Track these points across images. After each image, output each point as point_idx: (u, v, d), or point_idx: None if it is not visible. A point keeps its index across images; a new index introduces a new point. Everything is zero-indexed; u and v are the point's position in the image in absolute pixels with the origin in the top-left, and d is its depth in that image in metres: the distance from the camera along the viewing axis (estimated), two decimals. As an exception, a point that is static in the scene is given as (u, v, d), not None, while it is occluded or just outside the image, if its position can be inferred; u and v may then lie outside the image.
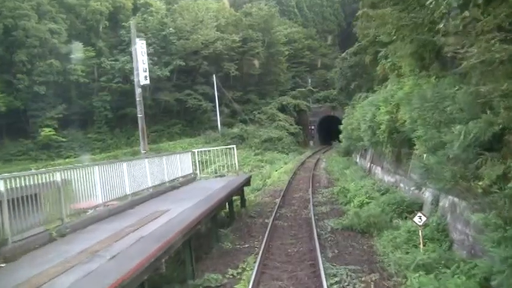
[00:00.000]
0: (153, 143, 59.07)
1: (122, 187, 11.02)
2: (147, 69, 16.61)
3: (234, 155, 20.35)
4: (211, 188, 12.97)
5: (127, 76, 57.18)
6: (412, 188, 13.91)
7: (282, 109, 64.96)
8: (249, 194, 19.81)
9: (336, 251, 9.87)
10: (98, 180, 9.66)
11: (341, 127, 32.01)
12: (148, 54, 57.73)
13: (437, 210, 11.08)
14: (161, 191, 13.10)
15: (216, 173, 21.01)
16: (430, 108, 10.04)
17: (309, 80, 80.00)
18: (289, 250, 10.17)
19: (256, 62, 65.39)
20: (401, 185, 15.33)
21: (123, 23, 60.60)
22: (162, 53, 59.57)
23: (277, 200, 16.67)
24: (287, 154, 52.95)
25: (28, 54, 54.20)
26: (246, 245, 10.76)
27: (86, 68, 57.33)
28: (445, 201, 10.69)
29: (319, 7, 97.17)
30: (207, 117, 61.56)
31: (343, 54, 40.82)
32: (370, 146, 20.18)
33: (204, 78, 61.95)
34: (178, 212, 9.21)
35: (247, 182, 16.74)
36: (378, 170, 20.05)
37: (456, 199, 9.64)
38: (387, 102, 15.00)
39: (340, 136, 55.84)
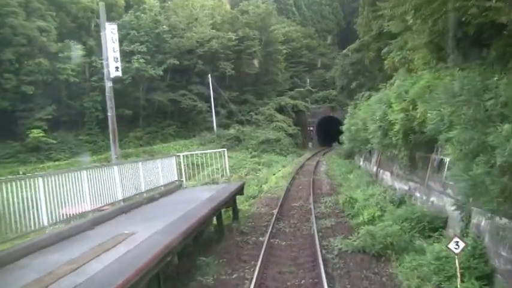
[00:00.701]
0: (147, 145, 57.10)
1: (81, 201, 8.93)
2: (119, 59, 13.92)
3: (224, 159, 18.20)
4: (196, 200, 10.89)
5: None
6: (432, 200, 11.86)
7: (280, 110, 62.92)
8: (243, 203, 17.72)
9: (348, 286, 7.77)
10: (42, 193, 7.52)
11: (343, 128, 29.96)
12: (140, 53, 56.19)
13: (469, 229, 8.99)
14: (135, 204, 10.97)
15: (206, 179, 18.84)
16: (463, 103, 7.94)
17: (308, 80, 78.03)
18: (288, 283, 8.04)
19: (253, 61, 63.35)
20: (417, 194, 13.26)
21: (115, 21, 58.37)
22: (155, 52, 57.42)
23: (275, 211, 14.55)
24: (285, 156, 50.90)
25: (16, 53, 51.96)
26: (234, 275, 8.58)
27: (76, 67, 55.12)
28: (481, 219, 8.59)
29: (317, 5, 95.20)
30: (202, 118, 59.46)
31: (344, 51, 38.75)
32: (377, 149, 18.11)
33: (199, 78, 59.86)
34: (145, 237, 7.11)
35: (240, 191, 14.63)
36: (386, 176, 17.97)
37: (501, 219, 7.52)
38: (400, 98, 12.92)
39: (341, 137, 54.21)
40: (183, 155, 17.17)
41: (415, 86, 12.49)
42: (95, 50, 57.73)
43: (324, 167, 32.54)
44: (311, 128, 70.61)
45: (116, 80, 55.80)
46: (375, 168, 20.88)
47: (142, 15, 57.56)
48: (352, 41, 53.72)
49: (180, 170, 16.84)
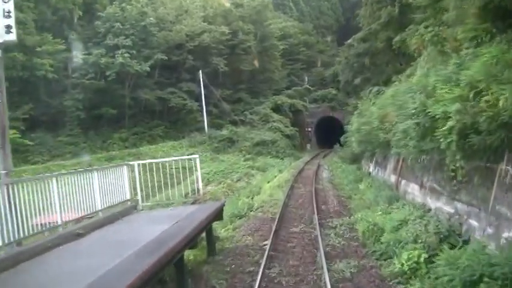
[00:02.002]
0: (132, 147, 52.86)
1: None
2: (12, 13, 8.68)
3: (196, 169, 14.03)
4: (139, 241, 6.74)
5: (101, 71, 50.84)
6: (506, 236, 7.69)
7: (277, 109, 58.85)
8: (227, 226, 13.51)
9: None
10: None
11: (348, 128, 25.85)
12: (125, 47, 51.94)
13: None
14: (38, 248, 6.73)
15: (176, 197, 14.78)
16: None
17: (306, 78, 74.09)
18: None
19: (247, 57, 59.25)
20: (474, 222, 9.08)
21: (99, 13, 54.24)
22: (141, 46, 53.19)
23: (267, 243, 10.35)
24: (282, 159, 46.82)
25: (-13, 46, 47.64)
26: None
27: (56, 62, 50.69)
28: None
29: (315, 1, 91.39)
30: (192, 118, 55.28)
31: (349, 41, 34.59)
32: (406, 153, 13.92)
33: (190, 75, 55.73)
34: None
35: (217, 215, 10.39)
36: (412, 189, 13.81)
37: None
38: (452, 82, 8.78)
39: (343, 139, 50.13)
40: (138, 164, 12.76)
41: (474, 65, 8.34)
42: (77, 45, 53.57)
43: (326, 173, 28.37)
44: (309, 129, 66.64)
45: (98, 76, 52.36)
46: (393, 178, 16.70)
47: (127, 6, 53.25)
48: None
49: (141, 183, 12.58)
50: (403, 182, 15.32)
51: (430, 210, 11.47)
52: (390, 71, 31.86)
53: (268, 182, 26.06)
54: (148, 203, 12.53)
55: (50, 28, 52.58)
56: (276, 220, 13.02)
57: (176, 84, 55.71)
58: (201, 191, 14.89)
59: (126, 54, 49.27)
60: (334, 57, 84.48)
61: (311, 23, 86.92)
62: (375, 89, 27.26)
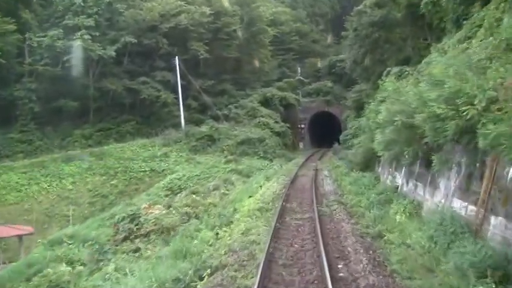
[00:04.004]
0: (97, 145, 45.09)
1: None
2: None
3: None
4: None
5: (58, 56, 42.90)
6: None
7: (266, 103, 51.28)
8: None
9: None
10: None
11: (362, 123, 18.63)
12: (87, 28, 43.98)
13: None
14: None
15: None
16: None
17: (299, 69, 66.66)
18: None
19: (232, 43, 51.61)
20: None
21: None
22: (107, 27, 45.34)
23: None
24: (271, 161, 39.43)
25: None
26: None
27: (4, 45, 42.55)
28: None
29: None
30: (168, 112, 47.59)
31: (360, 7, 26.91)
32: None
33: (165, 63, 47.88)
34: None
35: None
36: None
37: None
38: None
39: (344, 137, 42.85)
40: None
41: None
42: (31, 26, 45.54)
43: (329, 184, 20.74)
44: (302, 126, 59.18)
45: (54, 62, 44.39)
46: (468, 209, 9.24)
47: (91, -19, 45.28)
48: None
49: None
50: (499, 221, 7.87)
51: None
52: (410, 48, 24.61)
53: (251, 197, 18.54)
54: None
55: (2, 7, 44.45)
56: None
57: (149, 73, 47.94)
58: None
59: (86, 36, 41.39)
60: (329, 47, 77.56)
61: (304, 10, 79.26)
62: (395, 69, 19.96)
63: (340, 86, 61.24)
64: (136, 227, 14.73)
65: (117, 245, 14.13)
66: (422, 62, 17.70)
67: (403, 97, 12.47)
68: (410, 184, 14.11)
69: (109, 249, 13.62)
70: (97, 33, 43.42)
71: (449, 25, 19.21)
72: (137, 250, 12.85)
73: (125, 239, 14.30)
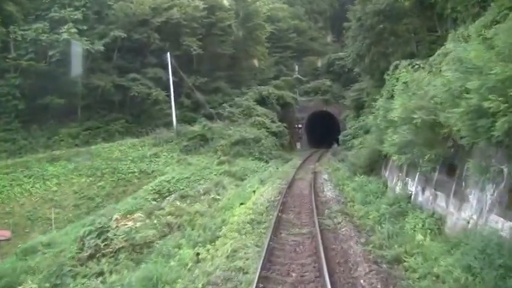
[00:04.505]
0: (85, 145, 42.85)
1: None
2: None
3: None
4: None
5: (43, 50, 40.70)
6: None
7: (262, 101, 49.13)
8: None
9: None
10: None
11: (362, 122, 16.62)
12: (75, 21, 41.75)
13: None
14: None
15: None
16: None
17: (296, 68, 64.61)
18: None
19: (227, 39, 49.54)
20: None
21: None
22: (96, 21, 43.15)
23: None
24: (266, 162, 37.35)
25: None
26: None
27: (-15, 39, 40.37)
28: None
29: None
30: (159, 110, 45.45)
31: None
32: None
33: (157, 59, 45.68)
34: None
35: None
36: None
37: None
38: None
39: (343, 137, 40.83)
40: None
41: None
42: (16, 19, 43.24)
43: (330, 190, 18.61)
44: (299, 126, 57.13)
45: (39, 57, 42.15)
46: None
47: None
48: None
49: None
50: None
51: None
52: (418, 41, 22.58)
53: (242, 204, 16.47)
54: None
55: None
56: None
57: (140, 69, 45.77)
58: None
59: (73, 30, 39.15)
60: (327, 45, 75.56)
61: (302, 6, 77.18)
62: (403, 63, 17.95)
63: (339, 85, 59.31)
64: (104, 243, 12.59)
65: (81, 264, 12.03)
66: (436, 54, 15.69)
67: (421, 90, 10.44)
68: (427, 193, 12.08)
69: (69, 270, 11.51)
70: (85, 27, 41.19)
71: (464, 13, 17.24)
72: (101, 273, 10.76)
73: (91, 257, 12.20)
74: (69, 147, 42.35)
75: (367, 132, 34.00)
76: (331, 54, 63.83)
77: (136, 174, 38.09)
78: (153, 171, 37.85)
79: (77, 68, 43.08)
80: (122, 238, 12.54)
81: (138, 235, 12.86)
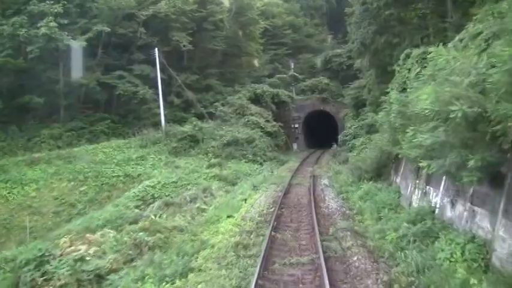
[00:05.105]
0: (68, 146, 40.06)
1: None
2: None
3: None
4: None
5: (22, 46, 38.00)
6: None
7: (256, 100, 46.51)
8: None
9: None
10: None
11: (374, 118, 14.17)
12: (55, 15, 38.75)
13: None
14: None
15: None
16: None
17: (292, 65, 62.07)
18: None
19: (219, 34, 46.96)
20: None
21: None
22: (78, 15, 40.45)
23: None
24: (261, 165, 34.85)
25: None
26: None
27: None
28: None
29: (303, -23, 78.97)
30: (147, 109, 42.78)
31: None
32: None
33: (144, 55, 42.98)
34: None
35: None
36: None
37: None
38: None
39: (343, 137, 38.38)
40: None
41: None
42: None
43: (333, 200, 15.93)
44: (296, 125, 54.64)
45: (17, 54, 39.30)
46: None
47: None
48: (344, 22, 38.85)
49: None
50: None
51: None
52: (427, 28, 20.11)
53: (229, 217, 13.90)
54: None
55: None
56: None
57: (126, 66, 43.09)
58: None
59: (52, 24, 36.43)
60: (324, 42, 73.15)
61: (298, 2, 74.68)
62: (416, 51, 15.44)
63: (336, 83, 56.97)
64: (44, 277, 9.99)
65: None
66: (457, 38, 13.18)
67: (455, 76, 7.88)
68: (460, 208, 9.53)
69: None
70: (66, 21, 38.46)
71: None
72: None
73: (26, 297, 9.62)
74: (51, 149, 39.52)
75: (369, 131, 31.65)
76: (329, 51, 61.37)
77: (121, 178, 35.39)
78: (139, 175, 35.22)
79: (59, 65, 40.55)
80: (67, 271, 9.87)
81: (91, 264, 10.24)
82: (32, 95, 39.73)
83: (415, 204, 12.46)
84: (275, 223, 11.71)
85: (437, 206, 10.69)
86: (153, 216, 15.21)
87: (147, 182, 30.48)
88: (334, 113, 53.27)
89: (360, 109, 38.94)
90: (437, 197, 11.00)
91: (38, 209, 33.18)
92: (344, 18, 37.42)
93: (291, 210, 14.30)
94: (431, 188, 11.52)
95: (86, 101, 43.25)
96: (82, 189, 35.11)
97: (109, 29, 39.61)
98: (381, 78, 26.60)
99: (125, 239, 13.09)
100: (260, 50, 56.96)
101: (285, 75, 58.02)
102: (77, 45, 38.11)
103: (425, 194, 11.94)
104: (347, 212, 13.53)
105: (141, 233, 12.97)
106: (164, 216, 16.21)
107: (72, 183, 35.58)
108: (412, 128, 9.75)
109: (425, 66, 14.77)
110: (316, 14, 75.86)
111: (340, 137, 39.91)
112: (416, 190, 12.81)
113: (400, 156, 14.01)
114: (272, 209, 13.87)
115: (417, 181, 12.87)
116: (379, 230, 10.51)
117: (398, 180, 15.25)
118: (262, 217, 12.75)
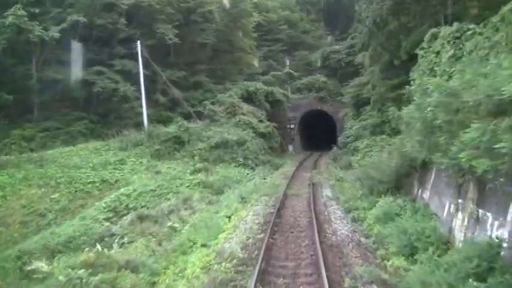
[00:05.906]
0: (42, 148, 36.24)
1: None
2: None
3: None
4: None
5: (-13, 38, 34.22)
6: None
7: (248, 98, 42.90)
8: None
9: None
10: None
11: (407, 111, 10.52)
12: (25, 4, 34.70)
13: None
14: None
15: None
16: None
17: (287, 62, 58.63)
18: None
19: (209, 27, 43.36)
20: None
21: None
22: (51, 4, 36.75)
23: None
24: (252, 169, 31.28)
25: None
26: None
27: None
28: None
29: (299, -30, 75.58)
30: (129, 108, 39.15)
31: None
32: None
33: (126, 49, 39.32)
34: None
35: None
36: None
37: None
38: None
39: (345, 139, 34.94)
40: None
41: None
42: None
43: (341, 221, 12.15)
44: (291, 126, 51.23)
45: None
46: None
47: None
48: (342, 19, 35.60)
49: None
50: None
51: None
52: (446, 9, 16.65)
53: (204, 246, 10.29)
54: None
55: None
56: None
57: (107, 61, 39.40)
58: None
59: (20, 12, 32.72)
60: (320, 39, 69.79)
61: (293, -3, 71.50)
62: (446, 29, 12.00)
63: (335, 81, 53.70)
64: None
65: None
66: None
67: None
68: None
69: None
70: (37, 10, 34.76)
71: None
72: None
73: None
74: (22, 151, 35.83)
75: (374, 132, 28.21)
76: (327, 48, 57.99)
77: (97, 184, 31.62)
78: (116, 181, 31.53)
79: (32, 59, 36.86)
80: None
81: None
82: (1, 92, 36.00)
83: (459, 234, 8.93)
84: (262, 264, 8.13)
85: (505, 241, 7.14)
86: (99, 247, 11.56)
87: (121, 190, 26.84)
88: (333, 113, 49.98)
89: (361, 108, 35.74)
90: (502, 228, 7.46)
91: (2, 218, 29.33)
92: (341, 14, 34.11)
93: (287, 237, 10.72)
94: (488, 214, 7.97)
95: (62, 99, 39.44)
96: (53, 196, 31.29)
97: (85, 20, 35.86)
98: (386, 74, 23.34)
99: (60, 278, 9.51)
100: (253, 45, 53.40)
101: (279, 73, 54.66)
102: (48, 37, 34.41)
103: (477, 220, 8.40)
104: (362, 240, 9.97)
105: (81, 271, 9.39)
106: (125, 239, 12.57)
107: (43, 189, 31.72)
108: (476, 125, 6.18)
109: (460, 48, 11.30)
110: (312, 9, 72.45)
111: (340, 139, 36.53)
112: (460, 213, 9.27)
113: (430, 162, 10.53)
114: (261, 236, 10.31)
115: (460, 200, 9.33)
116: (418, 279, 6.92)
117: (426, 195, 11.70)
118: (247, 251, 9.19)
